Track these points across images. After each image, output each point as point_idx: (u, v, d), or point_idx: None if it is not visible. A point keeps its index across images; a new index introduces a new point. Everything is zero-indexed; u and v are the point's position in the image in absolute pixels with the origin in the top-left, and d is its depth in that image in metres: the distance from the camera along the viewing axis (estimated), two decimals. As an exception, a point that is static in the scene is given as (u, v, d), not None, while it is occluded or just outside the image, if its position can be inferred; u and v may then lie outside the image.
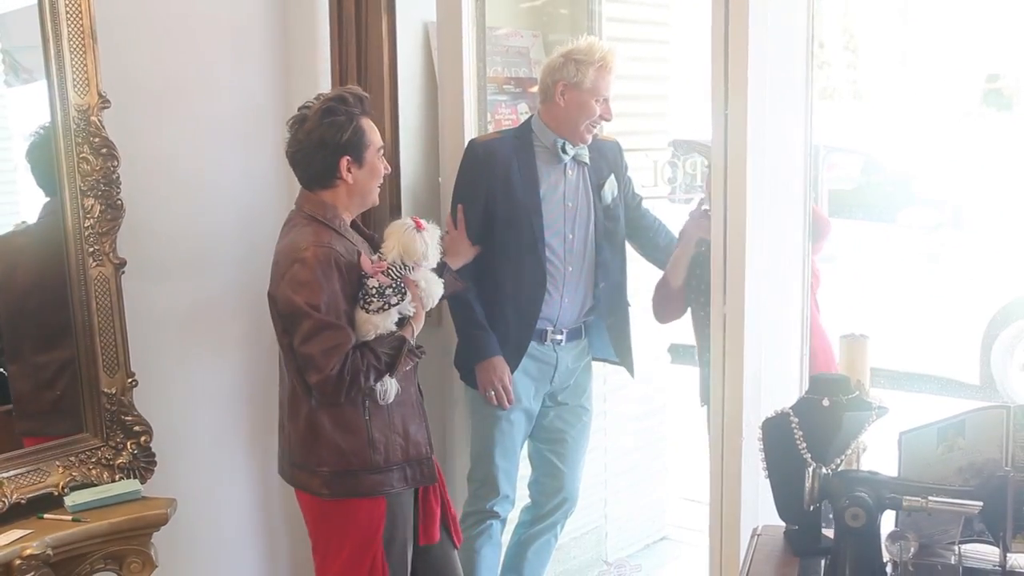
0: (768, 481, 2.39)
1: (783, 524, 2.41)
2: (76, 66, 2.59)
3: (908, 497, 2.10)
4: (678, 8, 5.47)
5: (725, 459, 2.76)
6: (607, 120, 3.23)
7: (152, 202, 2.88)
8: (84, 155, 2.64)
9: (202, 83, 3.05)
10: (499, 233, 3.18)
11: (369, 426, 2.68)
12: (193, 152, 3.04)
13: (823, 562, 2.27)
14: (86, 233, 2.66)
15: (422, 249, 2.62)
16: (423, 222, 2.66)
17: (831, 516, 2.22)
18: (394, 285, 2.61)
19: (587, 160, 3.24)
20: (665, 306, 3.35)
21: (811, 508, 2.28)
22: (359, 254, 2.65)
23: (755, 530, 2.51)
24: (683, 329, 3.41)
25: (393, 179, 3.14)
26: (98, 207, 2.67)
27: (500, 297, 3.21)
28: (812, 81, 3.01)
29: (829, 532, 2.30)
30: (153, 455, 2.82)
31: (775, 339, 2.94)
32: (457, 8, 3.28)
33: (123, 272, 2.73)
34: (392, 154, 3.18)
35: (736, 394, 2.73)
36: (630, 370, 3.48)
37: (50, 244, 2.67)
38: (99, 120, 2.65)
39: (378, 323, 2.62)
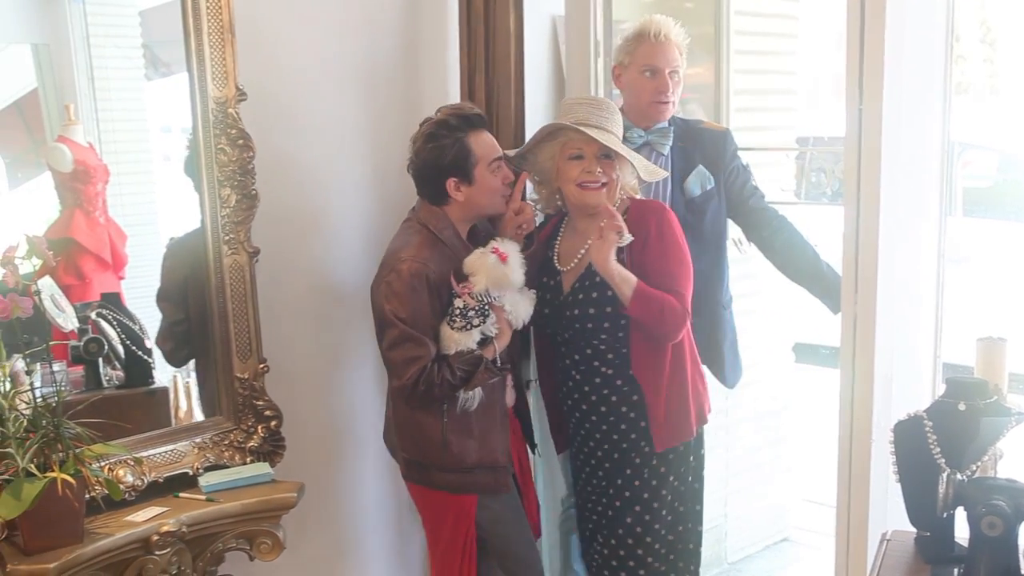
0: (898, 485, 2.34)
1: (914, 530, 2.37)
2: (215, 60, 2.66)
3: (1050, 507, 2.03)
4: (807, 1, 5.37)
5: (853, 461, 2.70)
6: (663, 95, 3.07)
7: (285, 193, 2.95)
8: (221, 146, 2.71)
9: (333, 79, 3.11)
10: None
11: (444, 429, 2.75)
12: (323, 145, 3.10)
13: (955, 571, 2.22)
14: (222, 222, 2.73)
15: (513, 278, 2.68)
16: (501, 248, 2.68)
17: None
18: (477, 307, 2.68)
19: (665, 151, 3.15)
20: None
21: (944, 515, 2.22)
22: (452, 272, 2.71)
23: (884, 535, 2.46)
24: (809, 328, 3.33)
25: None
26: (234, 197, 2.74)
27: None
28: (951, 76, 2.92)
29: (963, 540, 2.25)
30: (283, 439, 2.88)
31: (906, 340, 2.87)
32: (585, 2, 3.28)
33: (257, 260, 2.79)
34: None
35: (866, 395, 2.67)
36: (720, 378, 3.30)
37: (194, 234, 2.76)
38: (236, 112, 2.71)
39: (459, 340, 2.69)
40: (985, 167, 6.77)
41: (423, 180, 2.80)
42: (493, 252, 2.67)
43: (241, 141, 2.73)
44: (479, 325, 2.70)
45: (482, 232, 2.89)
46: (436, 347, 2.70)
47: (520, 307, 2.77)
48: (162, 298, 2.82)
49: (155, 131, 2.82)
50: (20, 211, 2.68)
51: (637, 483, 2.85)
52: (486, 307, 2.70)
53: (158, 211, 2.90)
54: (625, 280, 2.67)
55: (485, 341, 2.73)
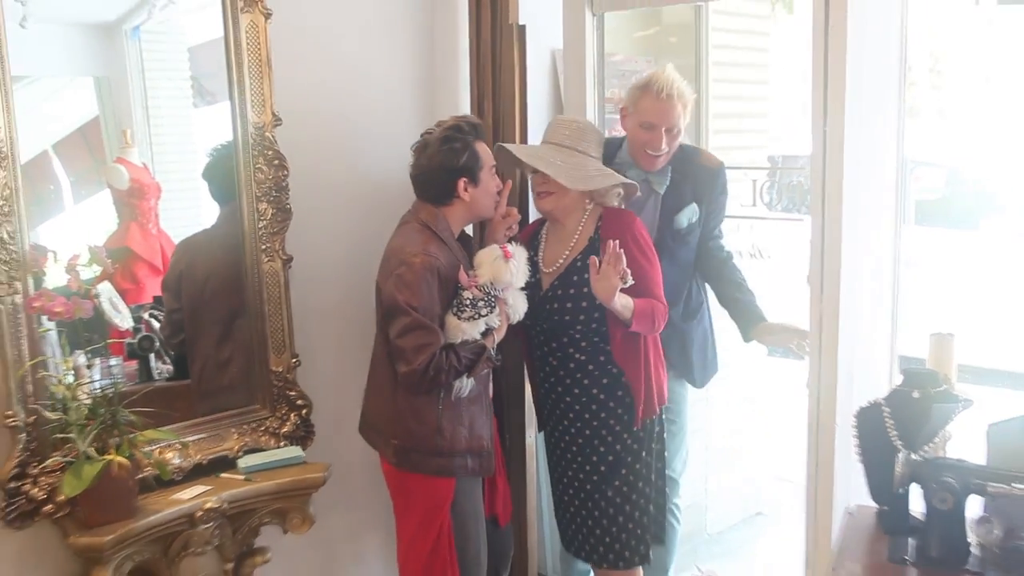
0: (860, 464, 2.38)
1: (874, 504, 2.40)
2: (254, 89, 2.71)
3: (993, 484, 2.07)
4: (776, 35, 5.43)
5: (820, 443, 2.73)
6: (653, 151, 2.97)
7: (316, 207, 2.98)
8: (259, 166, 2.75)
9: (358, 106, 3.14)
10: None
11: (440, 416, 2.71)
12: (350, 164, 3.13)
13: (911, 540, 2.26)
14: (260, 233, 2.78)
15: (509, 278, 2.67)
16: (510, 249, 2.69)
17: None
18: (486, 299, 2.67)
19: (661, 191, 3.05)
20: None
21: (901, 491, 2.26)
22: (459, 267, 2.70)
23: (847, 509, 2.50)
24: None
25: (524, 194, 3.16)
26: (270, 210, 2.78)
27: None
28: (904, 99, 2.96)
29: (917, 513, 2.28)
30: (313, 426, 2.93)
31: (867, 335, 2.91)
32: (581, 37, 3.31)
33: (290, 267, 2.83)
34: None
35: (831, 384, 2.70)
36: (690, 380, 3.26)
37: (228, 242, 2.79)
38: (272, 135, 2.76)
39: (466, 330, 2.67)
40: (934, 181, 6.82)
41: (432, 181, 2.74)
42: (501, 248, 2.68)
43: (277, 161, 2.77)
44: (486, 315, 2.68)
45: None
46: (443, 336, 2.66)
47: (519, 303, 2.77)
48: (164, 287, 2.80)
49: (201, 153, 2.84)
50: (82, 224, 2.70)
51: (611, 458, 2.87)
52: (493, 299, 2.68)
53: (203, 223, 2.92)
54: (626, 307, 2.71)
55: (486, 332, 2.72)
